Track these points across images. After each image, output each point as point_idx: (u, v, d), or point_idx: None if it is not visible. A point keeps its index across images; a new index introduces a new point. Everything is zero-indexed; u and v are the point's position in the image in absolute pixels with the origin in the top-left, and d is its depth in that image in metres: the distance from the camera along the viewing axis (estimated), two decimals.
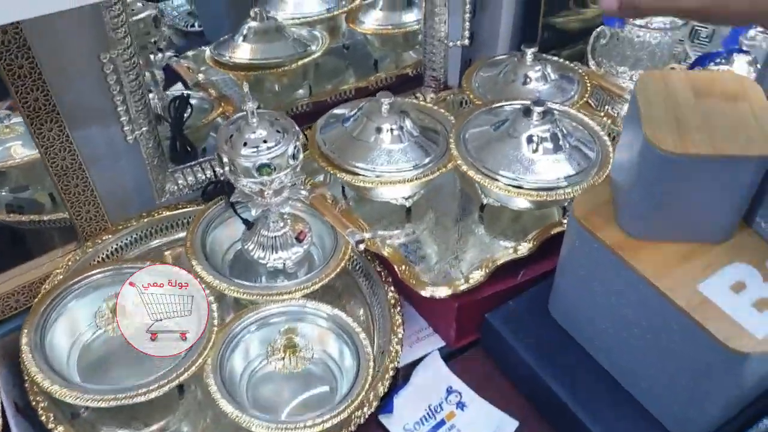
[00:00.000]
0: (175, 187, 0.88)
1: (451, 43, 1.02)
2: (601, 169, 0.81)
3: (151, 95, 0.98)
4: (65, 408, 0.69)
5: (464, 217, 0.91)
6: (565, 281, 0.74)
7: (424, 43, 1.04)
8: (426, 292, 0.75)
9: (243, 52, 1.02)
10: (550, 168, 0.79)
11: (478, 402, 0.75)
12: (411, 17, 1.12)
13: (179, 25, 1.10)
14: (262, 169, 0.69)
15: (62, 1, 0.56)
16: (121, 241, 0.86)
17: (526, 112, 0.81)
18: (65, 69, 0.76)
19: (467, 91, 0.97)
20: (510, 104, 0.88)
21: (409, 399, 0.74)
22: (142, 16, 0.91)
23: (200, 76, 1.05)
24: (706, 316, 0.58)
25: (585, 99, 0.96)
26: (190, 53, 1.06)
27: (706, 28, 1.17)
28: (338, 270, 0.78)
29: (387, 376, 0.73)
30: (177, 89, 1.02)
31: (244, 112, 0.69)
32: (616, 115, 1.00)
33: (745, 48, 0.95)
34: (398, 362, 0.75)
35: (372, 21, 1.13)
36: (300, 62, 1.03)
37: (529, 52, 0.95)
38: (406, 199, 0.87)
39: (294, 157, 0.71)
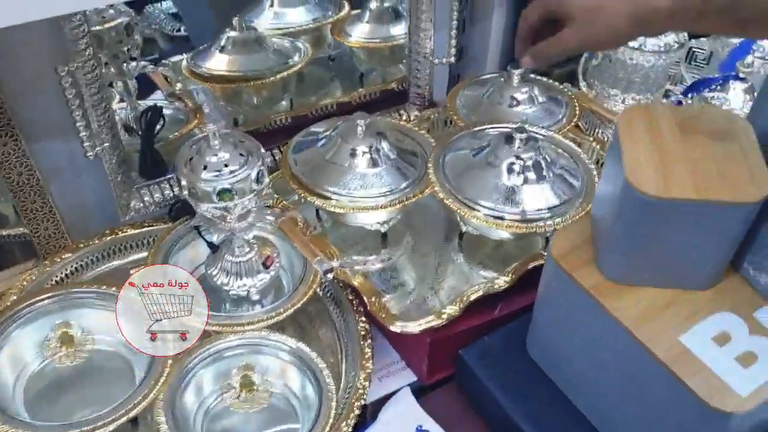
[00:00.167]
0: (141, 204, 0.84)
1: (436, 60, 0.98)
2: (586, 199, 0.77)
3: (123, 105, 0.95)
4: None
5: (443, 244, 0.87)
6: (543, 318, 0.70)
7: (409, 59, 1.00)
8: (396, 328, 0.71)
9: (220, 63, 0.98)
10: (532, 198, 0.75)
11: None
12: (399, 30, 1.08)
13: (165, 29, 1.07)
14: (222, 194, 0.65)
15: (23, 14, 0.53)
16: (82, 260, 0.82)
17: (508, 138, 0.77)
18: (22, 82, 0.72)
19: (451, 111, 0.93)
20: (493, 128, 0.84)
21: None
22: (113, 23, 0.87)
23: (178, 86, 1.00)
24: (687, 371, 0.54)
25: (574, 123, 0.92)
26: (171, 60, 1.03)
27: (704, 50, 1.14)
28: (306, 299, 0.74)
29: (352, 414, 0.69)
30: (157, 98, 0.98)
31: (206, 133, 0.65)
32: (605, 140, 0.96)
33: (741, 75, 0.91)
34: (365, 399, 0.71)
35: (358, 33, 1.10)
36: (279, 75, 0.99)
37: (516, 73, 0.91)
38: (382, 224, 0.83)
39: (258, 181, 0.67)
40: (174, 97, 0.99)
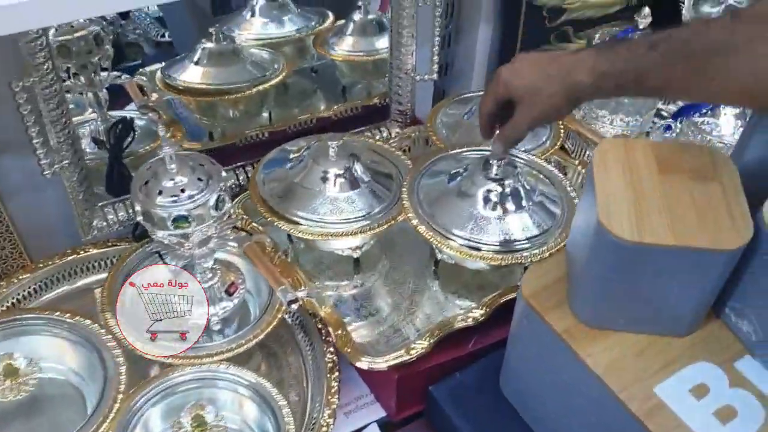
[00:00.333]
0: (104, 223, 0.81)
1: (418, 77, 0.95)
2: (565, 229, 0.74)
3: (93, 116, 0.92)
4: None
5: (419, 270, 0.84)
6: (516, 354, 0.67)
7: (390, 75, 0.97)
8: (362, 364, 0.67)
9: (194, 75, 0.95)
10: (510, 227, 0.72)
11: None
12: (383, 44, 1.04)
13: (150, 34, 1.04)
14: (178, 221, 0.62)
15: None
16: (40, 281, 0.79)
17: (486, 164, 0.73)
18: None
19: (430, 131, 0.90)
20: (471, 151, 0.81)
21: None
22: (82, 33, 0.84)
23: (154, 96, 0.97)
24: (661, 426, 0.50)
25: (558, 145, 0.89)
26: (148, 69, 0.99)
27: None
28: (270, 329, 0.71)
29: None
30: (132, 109, 0.95)
31: (162, 155, 0.62)
32: None
33: None
34: None
35: (341, 46, 1.06)
36: (255, 88, 0.96)
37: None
38: (354, 249, 0.80)
39: (217, 208, 0.64)
40: (147, 109, 0.95)
